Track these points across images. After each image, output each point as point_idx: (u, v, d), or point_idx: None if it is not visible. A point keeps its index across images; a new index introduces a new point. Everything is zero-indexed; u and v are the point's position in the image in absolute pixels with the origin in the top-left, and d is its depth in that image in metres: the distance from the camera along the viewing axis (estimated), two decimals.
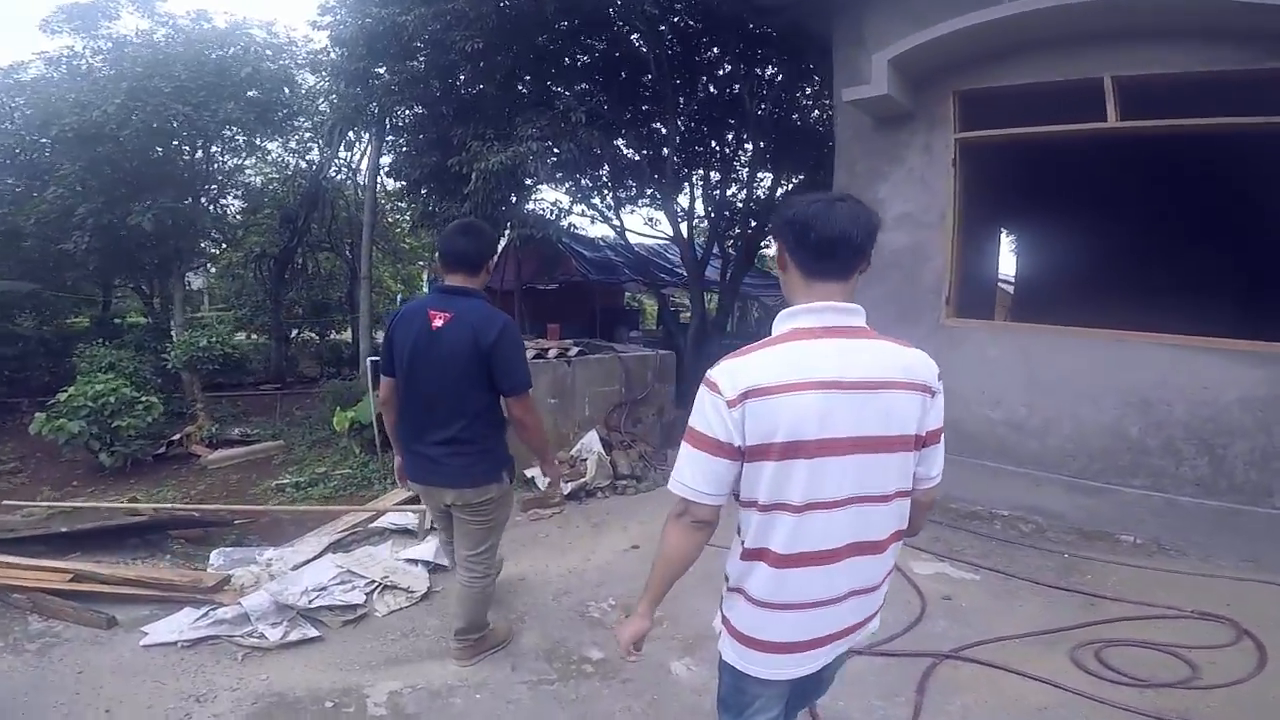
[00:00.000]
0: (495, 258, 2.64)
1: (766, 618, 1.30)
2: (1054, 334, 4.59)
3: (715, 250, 10.63)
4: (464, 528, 2.46)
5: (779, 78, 8.97)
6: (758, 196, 10.65)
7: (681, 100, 8.92)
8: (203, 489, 6.78)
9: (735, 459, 1.22)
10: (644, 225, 12.32)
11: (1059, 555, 3.85)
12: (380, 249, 14.61)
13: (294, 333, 14.07)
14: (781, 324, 1.29)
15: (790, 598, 1.27)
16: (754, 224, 10.38)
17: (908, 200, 5.02)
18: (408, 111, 8.34)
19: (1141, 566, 3.67)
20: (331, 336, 14.32)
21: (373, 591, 3.36)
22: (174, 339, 10.01)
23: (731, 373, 1.21)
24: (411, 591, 3.37)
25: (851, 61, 5.15)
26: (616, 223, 10.50)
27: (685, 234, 9.72)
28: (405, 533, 4.30)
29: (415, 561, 3.65)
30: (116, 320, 12.69)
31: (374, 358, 5.34)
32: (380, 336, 6.39)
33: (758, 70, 8.88)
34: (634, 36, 7.93)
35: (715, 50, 8.81)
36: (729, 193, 10.56)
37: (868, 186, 5.22)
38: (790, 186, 10.42)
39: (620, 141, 8.97)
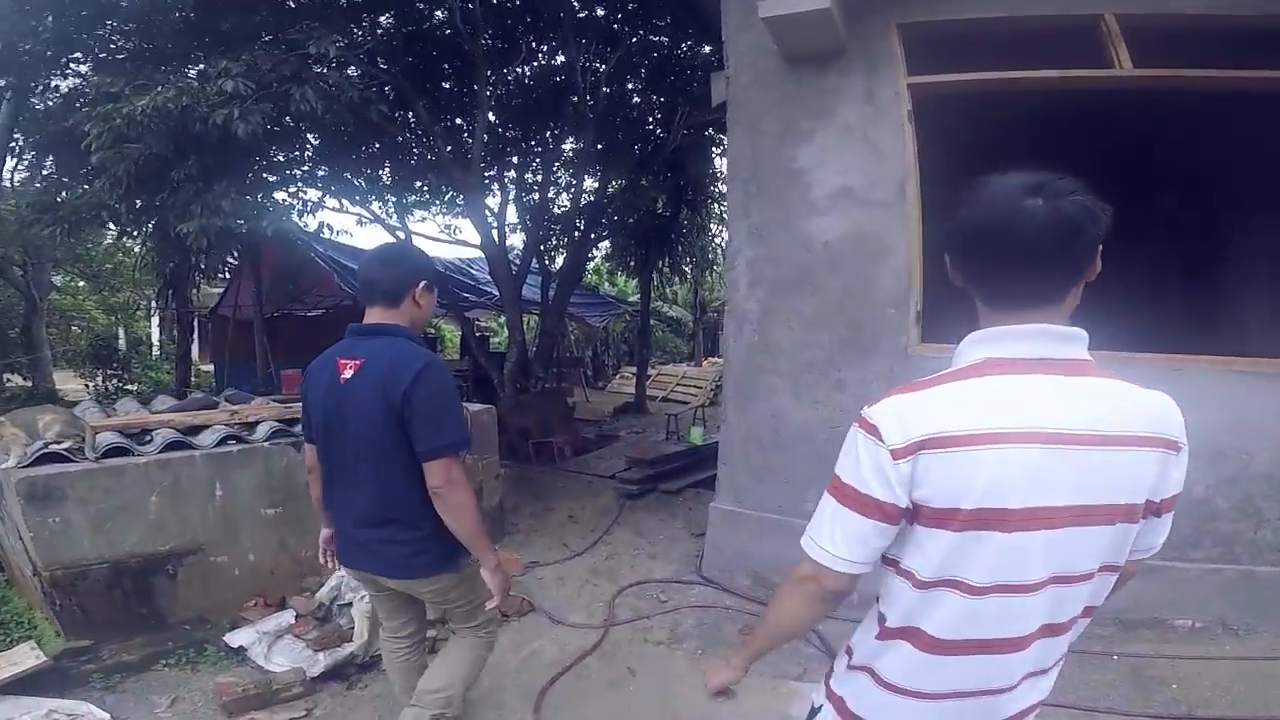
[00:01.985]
0: (421, 286, 1.90)
1: (902, 705, 1.02)
2: None
3: (534, 264, 8.62)
4: (438, 611, 2.15)
5: (612, 59, 7.46)
6: (585, 198, 8.90)
7: (493, 89, 7.40)
8: None
9: (893, 522, 0.95)
10: (441, 234, 9.84)
11: (1106, 659, 2.91)
12: (73, 270, 12.33)
13: None
14: (971, 351, 0.98)
15: (943, 687, 0.99)
16: (580, 229, 8.55)
17: (845, 169, 3.50)
18: None
19: (1218, 658, 2.86)
20: (11, 381, 11.26)
21: None
22: None
23: (901, 414, 0.93)
24: None
25: None
26: (400, 231, 7.98)
27: (497, 243, 7.56)
28: None
29: None
30: None
31: None
32: None
33: (588, 49, 7.18)
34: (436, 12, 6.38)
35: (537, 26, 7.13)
36: (549, 195, 8.70)
37: (780, 151, 3.62)
38: (622, 185, 8.88)
39: (407, 119, 6.91)
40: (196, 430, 3.37)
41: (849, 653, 1.11)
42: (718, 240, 14.08)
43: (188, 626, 3.17)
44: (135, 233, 6.25)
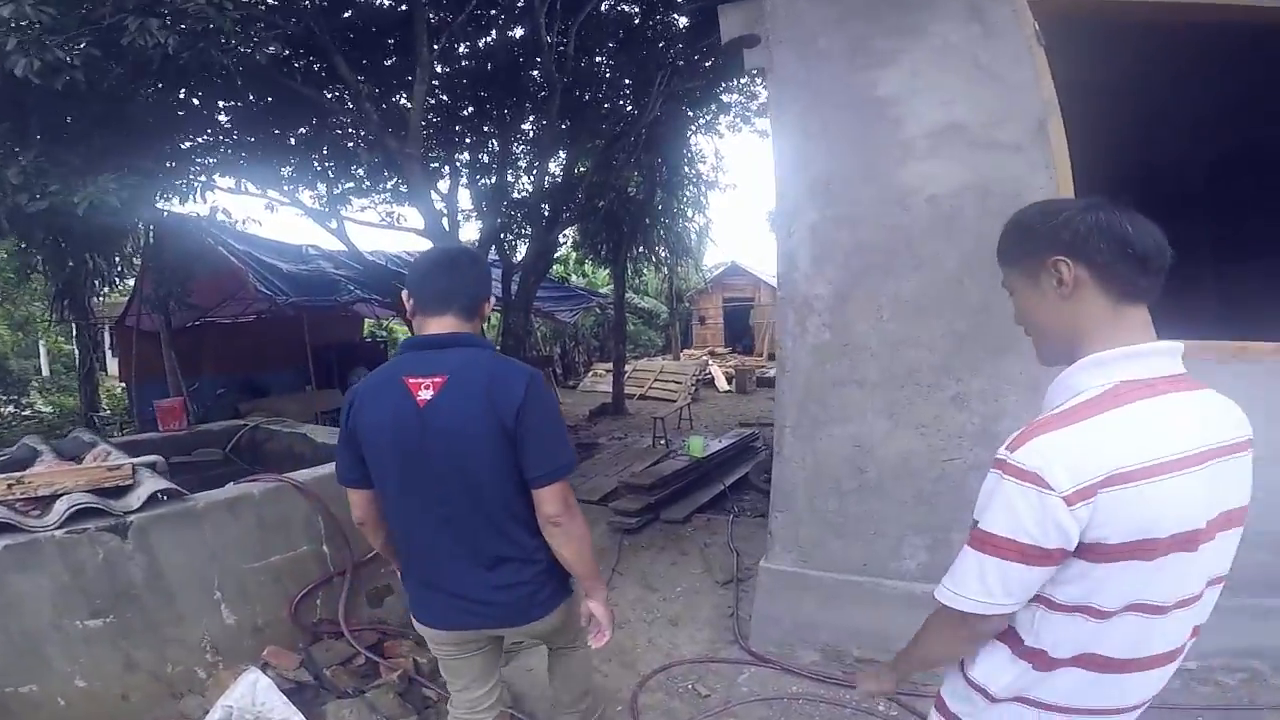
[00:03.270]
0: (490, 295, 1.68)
1: None
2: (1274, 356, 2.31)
3: (494, 255, 7.45)
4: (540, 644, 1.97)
5: (574, 26, 6.52)
6: (550, 180, 7.77)
7: (441, 61, 6.49)
8: None
9: (1060, 562, 0.94)
10: (380, 222, 8.50)
11: None
12: None
13: None
14: (1093, 375, 0.95)
15: (1123, 702, 1.02)
16: (547, 214, 7.40)
17: (950, 100, 2.50)
18: None
19: None
20: None
21: None
22: None
23: (1066, 455, 0.88)
24: None
25: None
26: (333, 222, 6.69)
27: (446, 231, 6.41)
28: None
29: None
30: None
31: None
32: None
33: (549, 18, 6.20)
34: None
35: None
36: (508, 178, 7.57)
37: (850, 77, 2.58)
38: (589, 165, 7.77)
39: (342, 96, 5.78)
40: None
41: (981, 691, 1.09)
42: (693, 225, 13.08)
43: None
44: None
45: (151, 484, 2.46)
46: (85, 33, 2.69)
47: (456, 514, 1.54)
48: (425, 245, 8.14)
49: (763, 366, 16.23)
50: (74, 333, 9.70)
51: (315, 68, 5.80)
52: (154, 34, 2.71)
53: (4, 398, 10.30)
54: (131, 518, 2.33)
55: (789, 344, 2.70)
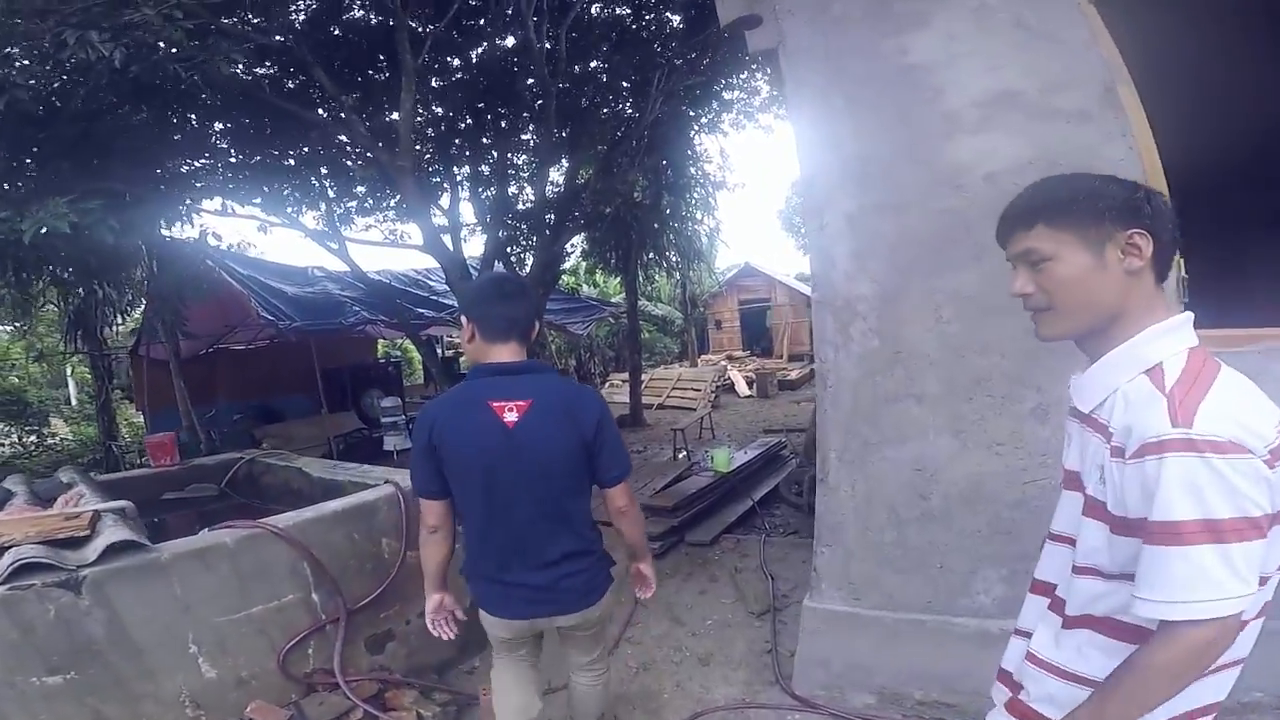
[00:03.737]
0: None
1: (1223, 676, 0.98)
2: None
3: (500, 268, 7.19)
4: (578, 642, 2.14)
5: (564, 26, 6.33)
6: (552, 189, 7.52)
7: (435, 74, 6.50)
8: None
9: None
10: (383, 242, 8.29)
11: None
12: None
13: None
14: (1166, 343, 0.95)
15: (1240, 653, 0.98)
16: (551, 224, 7.12)
17: (997, 65, 2.18)
18: None
19: None
20: None
21: None
22: None
23: (1239, 418, 0.86)
24: None
25: None
26: (334, 244, 6.48)
27: (450, 248, 6.19)
28: None
29: None
30: None
31: None
32: None
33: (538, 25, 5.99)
34: None
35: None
36: (509, 190, 7.36)
37: (877, 44, 2.25)
38: (592, 171, 7.49)
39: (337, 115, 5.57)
40: None
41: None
42: (703, 227, 12.75)
43: None
44: None
45: (111, 534, 2.19)
46: (27, 49, 2.46)
47: (539, 516, 1.78)
48: (429, 262, 7.97)
49: (784, 369, 15.82)
50: (93, 364, 9.59)
51: (303, 84, 5.58)
52: (96, 46, 2.45)
53: (27, 428, 10.27)
54: (85, 572, 2.08)
55: (830, 354, 2.35)
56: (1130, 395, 0.92)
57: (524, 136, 7.88)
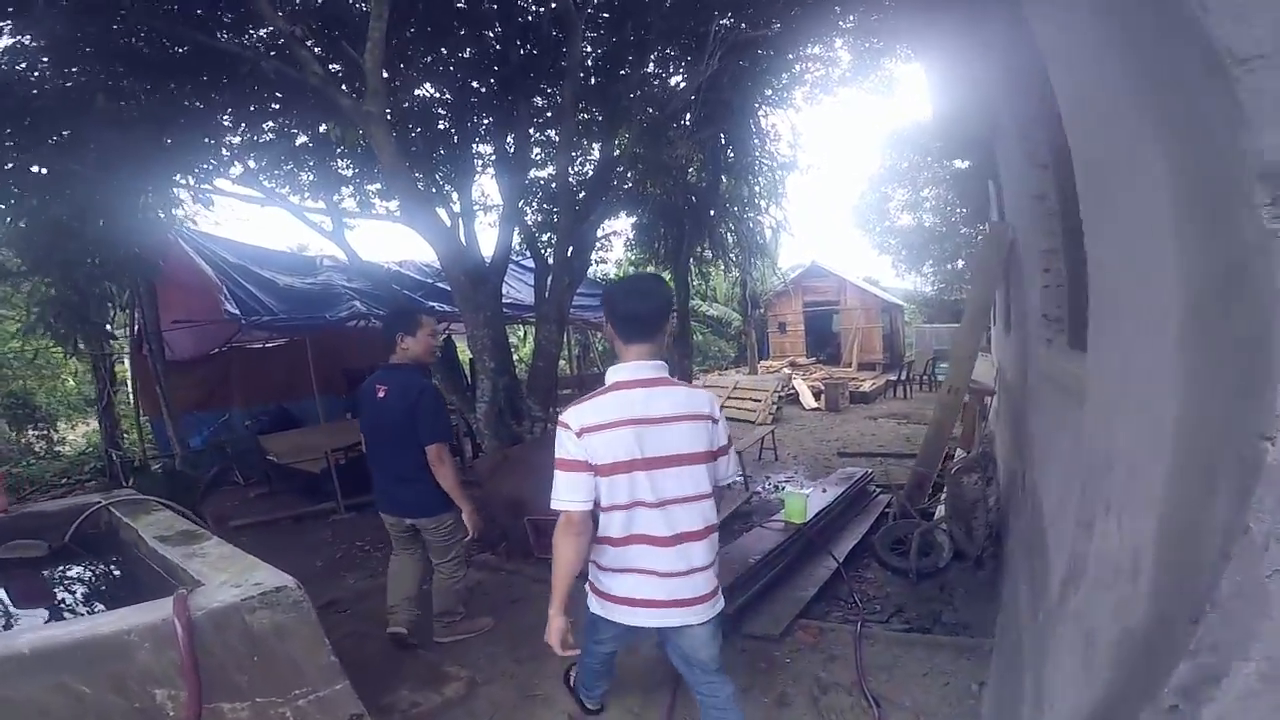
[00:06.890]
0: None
1: None
2: None
3: (525, 253, 6.00)
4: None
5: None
6: (585, 164, 6.29)
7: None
8: None
9: None
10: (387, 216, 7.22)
11: None
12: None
13: None
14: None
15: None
16: (579, 208, 5.84)
17: None
18: None
19: None
20: None
21: None
22: None
23: (580, 412, 1.88)
24: None
25: None
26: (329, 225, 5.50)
27: (463, 236, 5.20)
28: None
29: None
30: None
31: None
32: None
33: None
34: None
35: None
36: (536, 162, 6.22)
37: None
38: (631, 140, 6.17)
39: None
40: None
41: None
42: (768, 218, 11.19)
43: None
44: None
45: None
46: None
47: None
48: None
49: (855, 379, 14.08)
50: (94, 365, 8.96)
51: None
52: None
53: (34, 434, 9.82)
54: None
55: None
56: None
57: (542, 102, 6.63)
